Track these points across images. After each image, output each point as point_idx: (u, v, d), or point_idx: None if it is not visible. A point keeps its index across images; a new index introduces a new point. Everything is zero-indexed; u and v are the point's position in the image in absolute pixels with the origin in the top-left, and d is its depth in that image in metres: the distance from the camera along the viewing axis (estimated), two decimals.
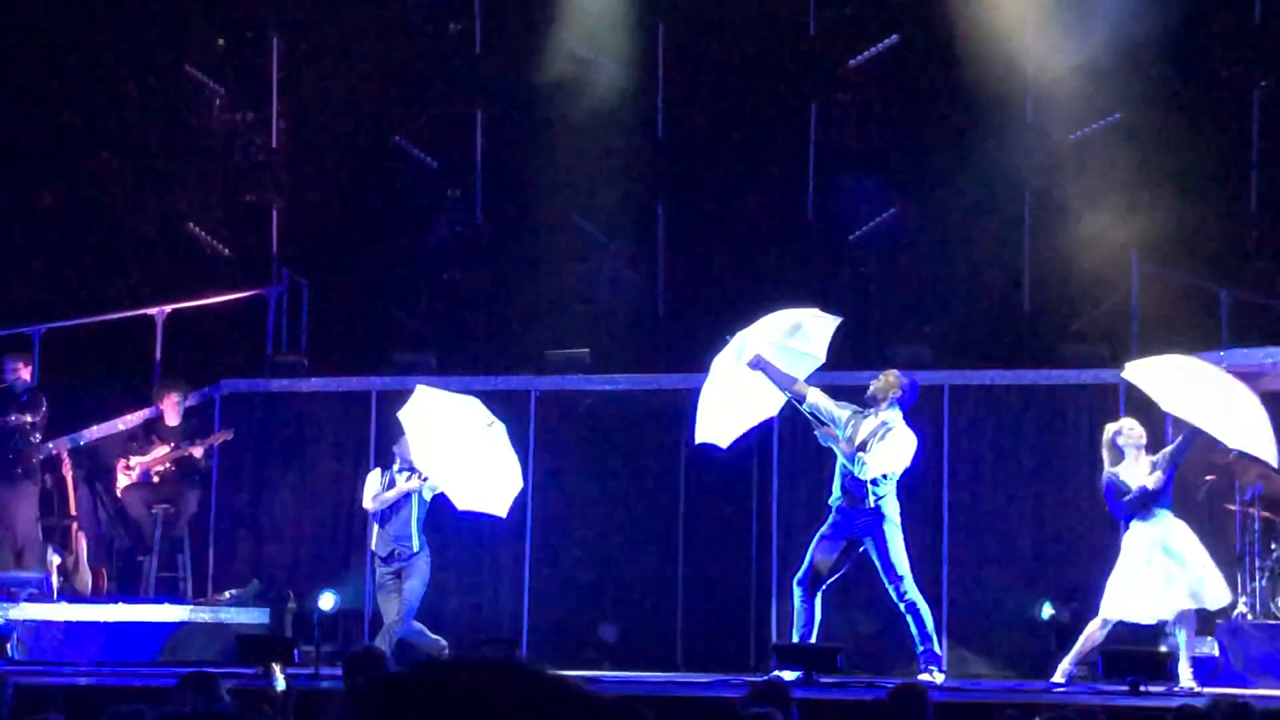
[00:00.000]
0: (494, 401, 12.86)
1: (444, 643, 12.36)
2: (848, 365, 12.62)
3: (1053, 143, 14.75)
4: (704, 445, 11.87)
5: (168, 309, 14.70)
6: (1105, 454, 11.30)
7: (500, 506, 12.29)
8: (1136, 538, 11.16)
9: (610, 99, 15.73)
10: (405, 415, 12.25)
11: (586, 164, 15.56)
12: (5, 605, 12.99)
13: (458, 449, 12.23)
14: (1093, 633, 11.20)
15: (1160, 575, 11.04)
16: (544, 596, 14.20)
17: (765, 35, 15.56)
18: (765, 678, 9.20)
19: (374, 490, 12.49)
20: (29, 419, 13.61)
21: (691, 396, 12.40)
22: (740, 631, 13.87)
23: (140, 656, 12.81)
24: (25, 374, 13.77)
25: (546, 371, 14.61)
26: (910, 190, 15.22)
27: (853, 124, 15.36)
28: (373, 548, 12.57)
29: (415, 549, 12.27)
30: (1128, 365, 11.57)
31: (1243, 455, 11.46)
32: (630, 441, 14.42)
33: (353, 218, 16.00)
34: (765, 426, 12.53)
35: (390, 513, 12.40)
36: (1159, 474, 11.05)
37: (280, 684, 9.43)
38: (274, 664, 10.83)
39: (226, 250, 16.12)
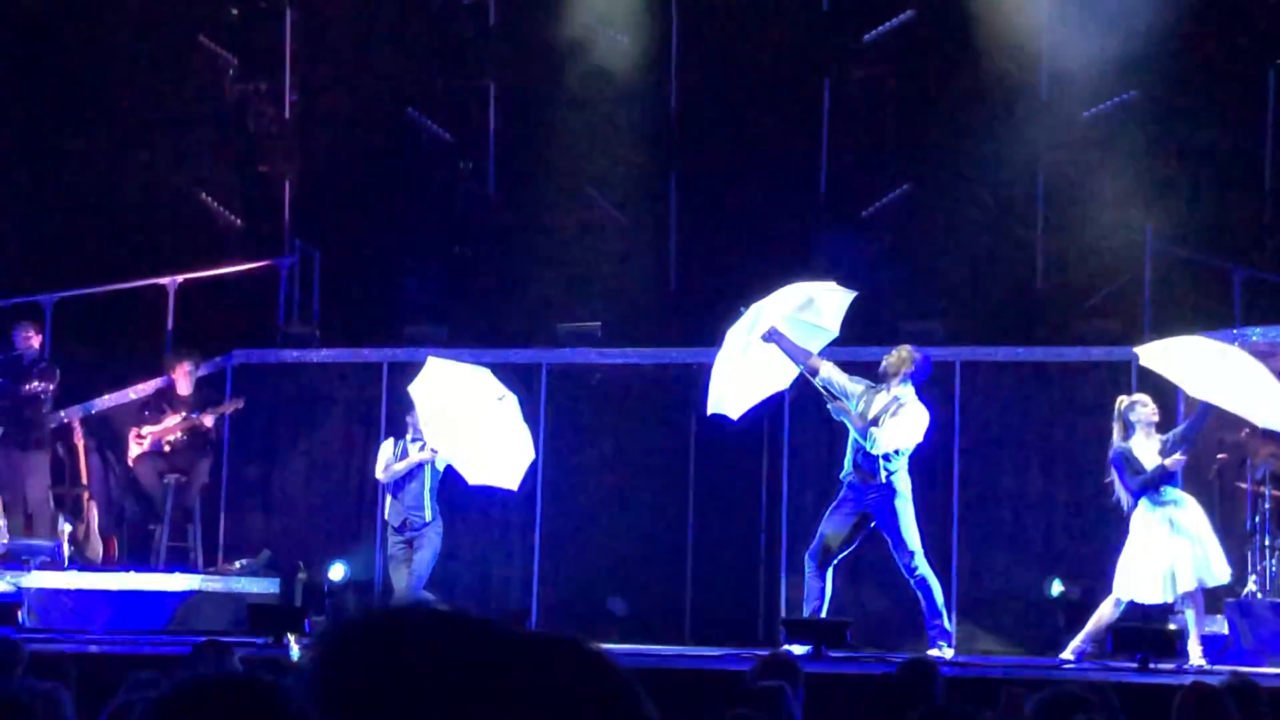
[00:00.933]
0: (505, 374, 12.87)
1: None
2: (859, 340, 12.61)
3: (1067, 120, 14.71)
4: (714, 419, 11.88)
5: (180, 279, 14.70)
6: (1115, 426, 11.30)
7: (511, 479, 12.31)
8: (1147, 516, 11.15)
9: (624, 72, 15.71)
10: (415, 389, 12.26)
11: (599, 137, 15.54)
12: (16, 573, 13.03)
13: (468, 423, 12.25)
14: (1105, 611, 11.20)
15: (1170, 555, 11.05)
16: (553, 569, 14.23)
17: (779, 9, 15.53)
18: (774, 651, 9.20)
19: (386, 460, 12.52)
20: (41, 387, 13.64)
21: (703, 371, 12.41)
22: (749, 605, 13.89)
23: (150, 625, 12.84)
24: (35, 342, 13.79)
25: (558, 345, 14.62)
26: (923, 166, 15.19)
27: (866, 99, 15.32)
28: (385, 517, 12.60)
29: (428, 519, 12.30)
30: (1141, 348, 11.54)
31: (1256, 433, 11.45)
32: (641, 415, 14.43)
33: (365, 189, 16.00)
34: (776, 400, 12.54)
35: (403, 482, 12.43)
36: (1179, 456, 11.03)
37: (296, 653, 9.47)
38: (289, 634, 10.88)
39: (239, 221, 16.12)
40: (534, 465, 12.79)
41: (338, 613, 7.76)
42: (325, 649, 2.03)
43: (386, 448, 12.65)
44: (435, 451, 12.29)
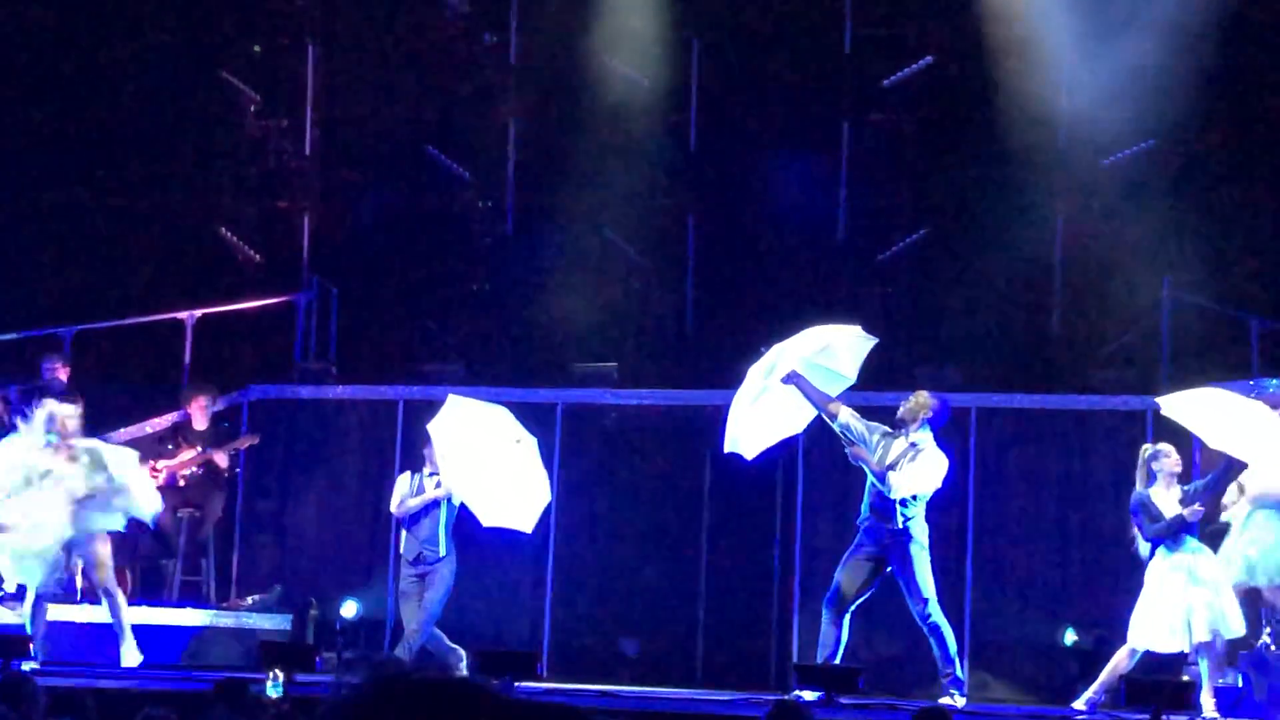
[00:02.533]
0: (521, 413, 12.87)
1: (463, 652, 12.36)
2: (875, 385, 12.60)
3: (1085, 167, 14.73)
4: (729, 460, 11.89)
5: (198, 313, 14.74)
6: (1138, 473, 11.29)
7: (526, 522, 12.30)
8: (1163, 565, 11.13)
9: (643, 113, 15.76)
10: (435, 426, 12.27)
11: (618, 177, 15.58)
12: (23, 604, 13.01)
13: (485, 464, 12.24)
14: (1120, 661, 11.17)
15: (1186, 604, 11.02)
16: (566, 608, 14.21)
17: (799, 53, 15.57)
18: (783, 698, 9.19)
19: (401, 495, 12.53)
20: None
21: (718, 412, 12.41)
22: (761, 648, 13.86)
23: (162, 660, 12.83)
24: (63, 375, 13.81)
25: (574, 384, 14.63)
26: (941, 211, 15.21)
27: (885, 144, 15.36)
28: (401, 551, 12.60)
29: (441, 554, 12.29)
30: (1163, 399, 11.53)
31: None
32: (655, 456, 14.43)
33: (384, 226, 16.04)
34: (791, 443, 12.53)
35: (418, 517, 12.43)
36: (1198, 507, 11.02)
37: (273, 691, 9.43)
38: (276, 670, 10.85)
39: (257, 256, 16.17)
40: (548, 504, 12.79)
41: (350, 677, 7.72)
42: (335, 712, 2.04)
43: (403, 482, 12.66)
44: (448, 496, 12.31)
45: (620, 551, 14.27)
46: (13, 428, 13.78)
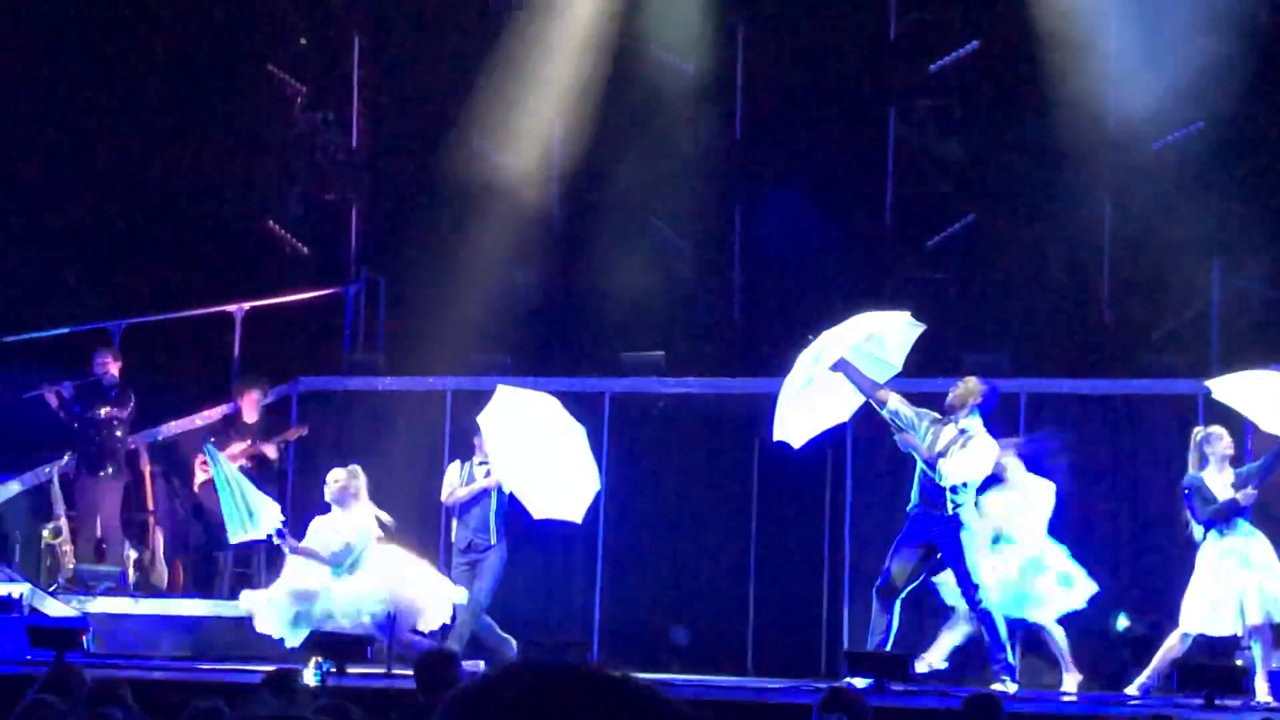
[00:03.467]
0: (569, 403, 12.87)
1: (514, 642, 12.38)
2: (924, 372, 12.56)
3: (1135, 150, 14.63)
4: (777, 448, 11.87)
5: (247, 306, 14.80)
6: (1190, 456, 11.23)
7: (576, 512, 12.32)
8: (1216, 549, 11.06)
9: (689, 101, 15.73)
10: (485, 418, 12.29)
11: (664, 166, 15.57)
12: (82, 598, 13.12)
13: (535, 455, 12.26)
14: (1172, 646, 11.11)
15: (1238, 588, 10.95)
16: (616, 598, 14.21)
17: (845, 39, 15.52)
18: (835, 685, 9.17)
19: (452, 484, 12.56)
20: (118, 413, 13.76)
21: (766, 401, 12.38)
22: (812, 636, 13.83)
23: (214, 652, 12.89)
24: (114, 369, 13.89)
25: (621, 373, 14.63)
26: (989, 197, 15.13)
27: (932, 129, 15.29)
28: (452, 540, 12.63)
29: (492, 542, 12.31)
30: (1213, 382, 11.46)
31: None
32: (704, 445, 14.41)
33: (430, 217, 16.06)
34: (839, 431, 12.50)
35: (469, 506, 12.46)
36: (1251, 490, 10.95)
37: (310, 679, 9.47)
38: (316, 658, 10.94)
39: (305, 248, 16.22)
40: (597, 493, 12.79)
41: (443, 666, 7.77)
42: (453, 710, 1.97)
43: (453, 471, 12.68)
44: (498, 486, 12.35)
45: (670, 540, 14.26)
46: (70, 423, 13.90)
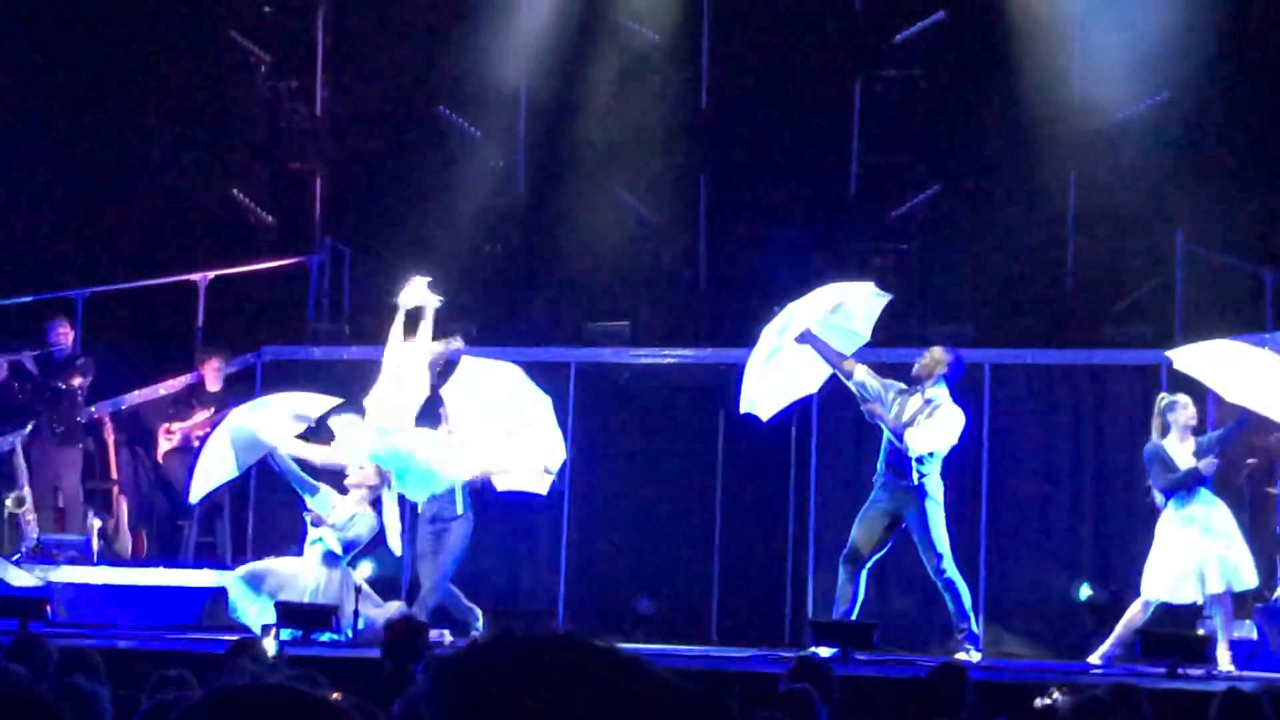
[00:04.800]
0: (534, 373, 12.86)
1: (479, 611, 12.38)
2: (889, 342, 12.60)
3: (1099, 121, 14.66)
4: (743, 419, 11.90)
5: (210, 275, 14.74)
6: (1154, 424, 11.27)
7: (541, 485, 12.31)
8: (1177, 517, 11.13)
9: (654, 71, 15.71)
10: (448, 390, 12.27)
11: (629, 136, 15.55)
12: (46, 567, 13.08)
13: (498, 428, 12.24)
14: (1133, 614, 11.18)
15: (1199, 557, 11.02)
16: (580, 567, 14.23)
17: (811, 9, 15.51)
18: (803, 654, 9.20)
19: None
20: (77, 382, 13.71)
21: (731, 371, 12.42)
22: (776, 606, 13.88)
23: (179, 621, 12.88)
24: (69, 338, 13.85)
25: (587, 343, 14.62)
26: (953, 168, 15.16)
27: (897, 101, 15.29)
28: (419, 509, 12.62)
29: (459, 512, 12.31)
30: (1174, 352, 11.51)
31: None
32: (669, 415, 14.43)
33: (396, 186, 16.02)
34: (804, 401, 12.53)
35: None
36: (1212, 460, 11.01)
37: (269, 649, 9.48)
38: (275, 629, 11.02)
39: (269, 217, 16.16)
40: (562, 464, 12.79)
41: (410, 634, 7.80)
42: (444, 686, 1.96)
43: None
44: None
45: (635, 510, 14.28)
46: (19, 395, 13.83)
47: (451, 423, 12.34)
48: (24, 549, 13.42)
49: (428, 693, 1.95)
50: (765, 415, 11.73)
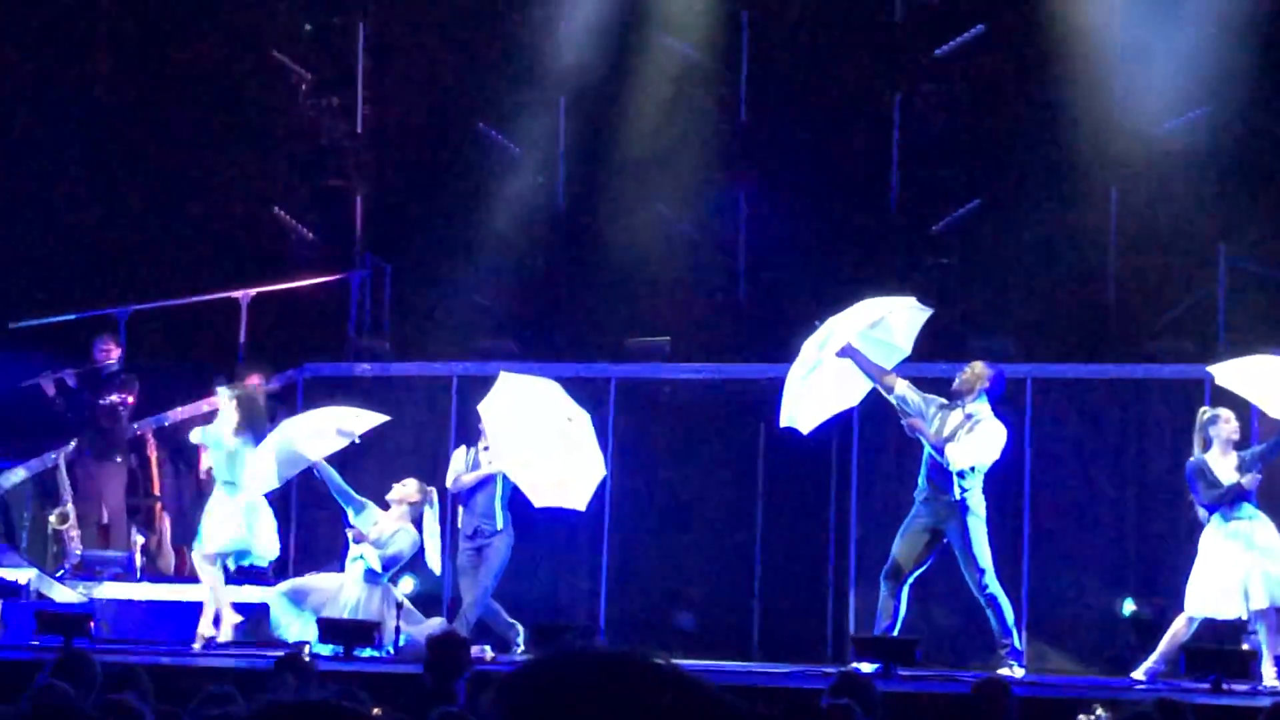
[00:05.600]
0: (574, 388, 12.88)
1: (519, 626, 12.40)
2: (929, 357, 12.57)
3: (1140, 135, 14.60)
4: (783, 433, 11.88)
5: (253, 292, 14.80)
6: (1196, 438, 11.23)
7: (579, 500, 12.31)
8: (1220, 532, 11.07)
9: (694, 85, 15.72)
10: (486, 406, 12.29)
11: (669, 151, 15.56)
12: (89, 584, 13.14)
13: (537, 444, 12.25)
14: (1178, 630, 11.12)
15: (1243, 572, 10.96)
16: (621, 582, 14.23)
17: (850, 23, 15.50)
18: (844, 670, 9.18)
19: (457, 470, 12.58)
20: (120, 399, 13.78)
21: (772, 385, 12.40)
22: (817, 621, 13.85)
23: None
24: (114, 355, 13.92)
25: (627, 359, 14.63)
26: (994, 182, 15.12)
27: (937, 114, 15.27)
28: (458, 526, 12.65)
29: (498, 527, 12.33)
30: (1216, 368, 11.46)
31: None
32: (710, 430, 14.42)
33: (436, 202, 16.07)
34: (845, 415, 12.51)
35: (474, 491, 12.47)
36: (1254, 475, 10.96)
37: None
38: (308, 647, 11.08)
39: (311, 234, 16.23)
40: (602, 478, 12.80)
41: (451, 649, 7.84)
42: (509, 695, 1.97)
43: (458, 456, 12.70)
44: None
45: (675, 525, 14.27)
46: (65, 412, 13.92)
47: (489, 439, 12.36)
48: (67, 565, 13.49)
49: (494, 707, 1.96)
50: (805, 429, 11.72)
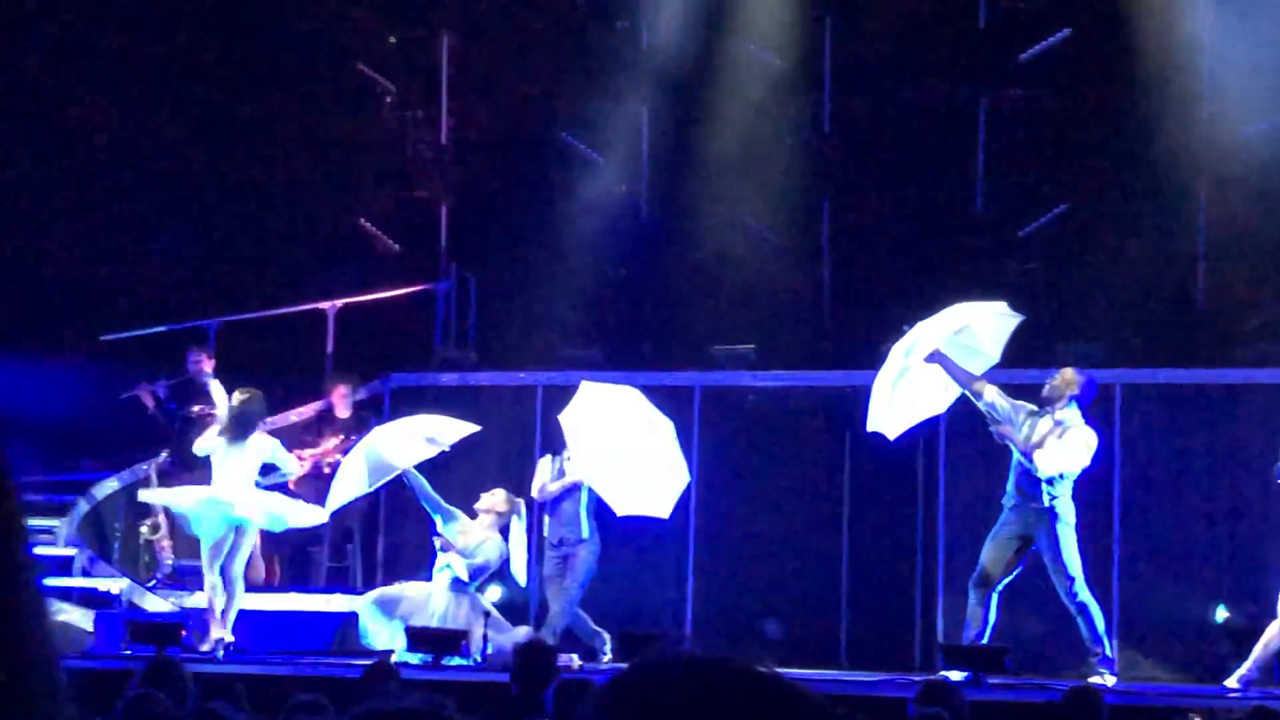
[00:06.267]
0: (659, 397, 12.88)
1: (606, 635, 12.41)
2: (1016, 363, 12.48)
3: (1229, 137, 14.46)
4: (869, 440, 11.84)
5: (339, 303, 14.91)
6: None
7: (662, 508, 12.31)
8: None
9: (776, 94, 15.70)
10: (566, 417, 12.31)
11: (752, 159, 15.54)
12: (180, 594, 13.26)
13: (617, 454, 12.26)
14: (1271, 637, 11.00)
15: None
16: (707, 591, 14.21)
17: (933, 29, 15.44)
18: (932, 678, 9.13)
19: (543, 479, 12.60)
20: (210, 410, 13.88)
21: (857, 393, 12.35)
22: (905, 629, 13.78)
23: (311, 646, 13.00)
24: (207, 366, 14.02)
25: (712, 367, 14.62)
26: (1081, 185, 15.01)
27: (1023, 119, 15.18)
28: (544, 534, 12.68)
29: (584, 536, 12.35)
30: None
31: None
32: (795, 437, 14.38)
33: (520, 212, 16.12)
34: (932, 422, 12.45)
35: (560, 500, 12.50)
36: None
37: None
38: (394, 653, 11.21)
39: (396, 245, 16.32)
40: (687, 487, 12.79)
41: (538, 657, 7.87)
42: (608, 702, 1.98)
43: (544, 465, 12.72)
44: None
45: (762, 533, 14.24)
46: (166, 422, 14.07)
47: (571, 448, 12.38)
48: (159, 576, 13.62)
49: (595, 714, 1.96)
50: (892, 434, 11.67)
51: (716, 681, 1.94)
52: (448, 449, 12.57)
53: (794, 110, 15.72)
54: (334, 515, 13.93)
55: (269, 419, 14.61)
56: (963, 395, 11.46)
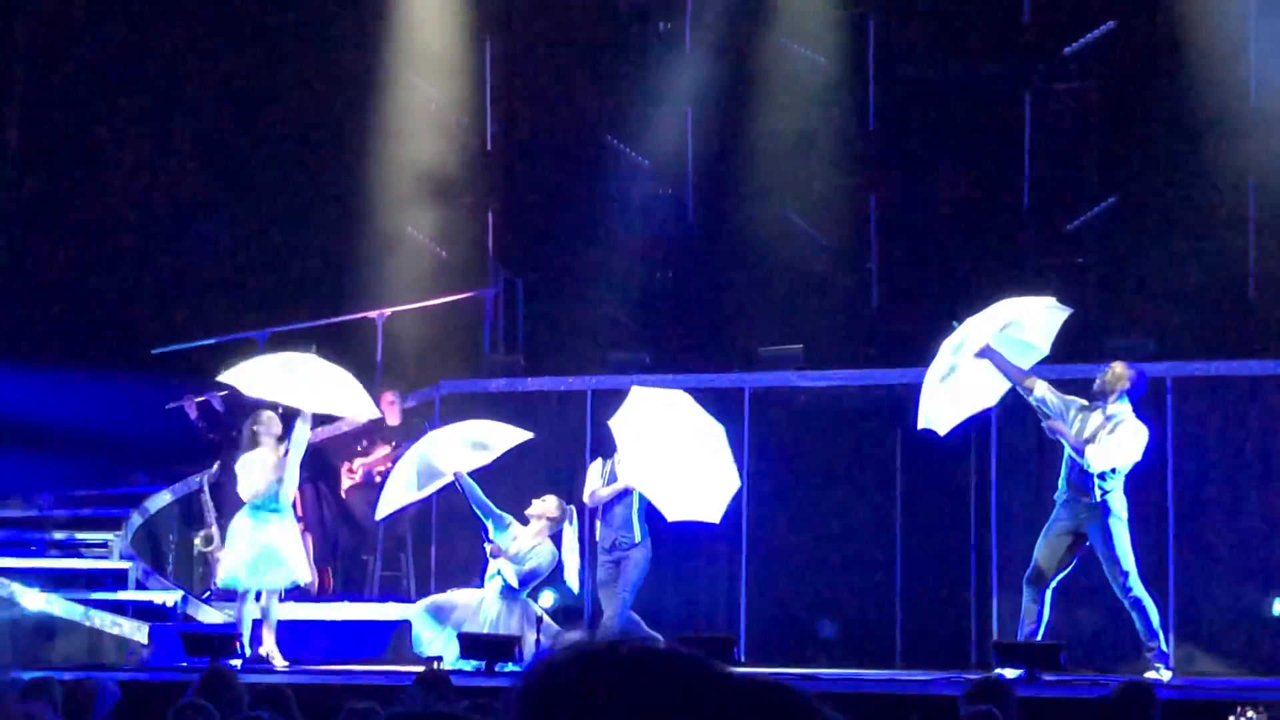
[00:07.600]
0: (707, 398, 12.86)
1: (660, 638, 12.39)
2: (1066, 357, 12.42)
3: (1275, 127, 14.35)
4: (921, 438, 11.80)
5: (388, 311, 14.94)
6: None
7: (713, 513, 12.29)
8: None
9: (820, 92, 15.67)
10: (616, 423, 12.30)
11: (797, 158, 15.52)
12: (234, 605, 13.30)
13: (669, 458, 12.24)
14: None
15: None
16: (761, 592, 14.19)
17: (977, 24, 15.38)
18: (983, 676, 9.08)
19: (594, 484, 12.60)
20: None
21: (906, 390, 12.31)
22: (960, 627, 13.72)
23: (366, 654, 13.04)
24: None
25: (760, 368, 14.60)
26: (1129, 178, 14.92)
27: (1069, 111, 15.11)
28: (596, 539, 12.68)
29: (636, 540, 12.34)
30: None
31: None
32: (845, 437, 14.34)
33: (566, 217, 16.14)
34: (982, 418, 12.40)
35: (611, 504, 12.49)
36: None
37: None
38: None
39: (443, 252, 16.35)
40: (738, 489, 12.77)
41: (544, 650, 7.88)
42: (528, 687, 2.00)
43: (594, 470, 12.72)
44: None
45: (814, 533, 14.21)
46: (207, 434, 14.12)
47: (621, 453, 12.37)
48: (213, 587, 13.67)
49: (507, 711, 1.98)
50: (943, 430, 11.63)
51: (641, 673, 1.95)
52: (499, 455, 12.59)
53: (838, 108, 15.68)
54: (386, 523, 13.98)
55: (322, 429, 14.68)
56: (1013, 390, 11.41)
